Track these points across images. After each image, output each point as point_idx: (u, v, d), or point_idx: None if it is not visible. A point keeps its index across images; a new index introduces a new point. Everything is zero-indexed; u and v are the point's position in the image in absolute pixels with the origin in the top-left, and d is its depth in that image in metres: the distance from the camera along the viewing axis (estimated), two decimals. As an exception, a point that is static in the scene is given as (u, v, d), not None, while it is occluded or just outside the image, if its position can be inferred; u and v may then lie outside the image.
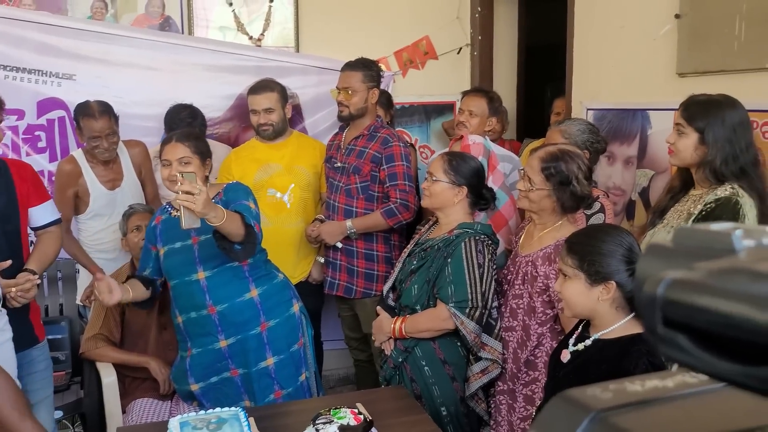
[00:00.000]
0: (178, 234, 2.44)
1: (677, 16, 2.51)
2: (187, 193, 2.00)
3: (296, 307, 2.60)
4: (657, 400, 0.38)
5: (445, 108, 4.18)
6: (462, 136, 2.94)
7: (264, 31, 3.88)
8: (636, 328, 1.64)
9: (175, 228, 2.44)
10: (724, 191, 1.87)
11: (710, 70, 2.39)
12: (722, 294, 0.35)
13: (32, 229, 2.49)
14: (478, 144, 2.79)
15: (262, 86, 3.19)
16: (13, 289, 2.23)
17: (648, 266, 0.39)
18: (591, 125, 2.65)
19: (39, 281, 2.32)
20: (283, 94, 3.21)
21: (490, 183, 2.70)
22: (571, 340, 1.76)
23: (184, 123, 3.20)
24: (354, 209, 3.03)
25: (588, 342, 1.70)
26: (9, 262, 2.21)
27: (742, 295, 0.35)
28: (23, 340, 2.37)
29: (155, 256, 2.52)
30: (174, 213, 2.48)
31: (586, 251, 1.65)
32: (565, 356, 1.75)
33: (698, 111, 1.93)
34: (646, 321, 0.38)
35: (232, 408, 2.02)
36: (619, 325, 1.65)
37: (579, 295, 1.66)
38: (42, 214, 2.47)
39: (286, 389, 2.49)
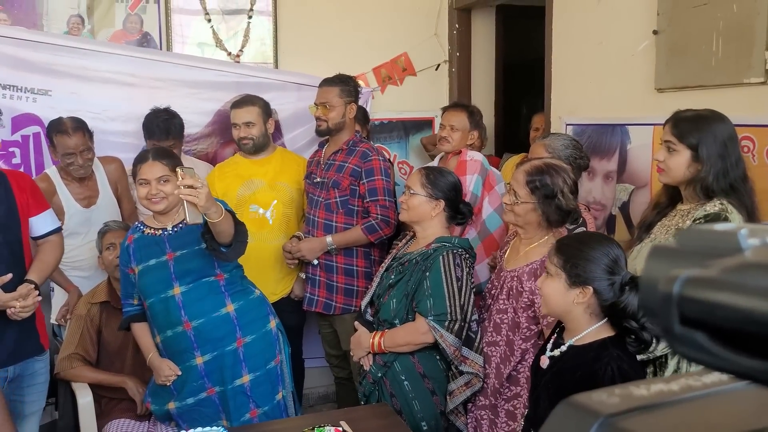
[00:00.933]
0: (152, 251, 2.42)
1: (655, 32, 2.55)
2: (190, 187, 2.00)
3: (273, 323, 2.57)
4: (663, 404, 0.38)
5: (424, 124, 4.19)
6: (461, 151, 2.94)
7: (242, 47, 3.87)
8: (606, 333, 1.68)
9: (149, 246, 2.42)
10: (713, 207, 1.86)
11: (688, 85, 2.42)
12: (740, 289, 0.35)
13: (33, 238, 2.49)
14: (476, 161, 2.79)
15: (244, 100, 3.20)
16: (18, 305, 2.24)
17: (656, 267, 0.39)
18: (575, 141, 2.67)
19: (40, 298, 2.32)
20: (266, 109, 3.22)
21: (485, 204, 2.70)
22: (549, 345, 1.79)
23: (161, 121, 3.20)
24: (334, 224, 3.01)
25: (563, 348, 1.74)
26: (10, 276, 2.23)
27: (760, 290, 0.34)
28: (28, 348, 2.40)
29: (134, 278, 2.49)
30: (147, 231, 2.46)
31: (572, 254, 1.69)
32: (544, 362, 1.78)
33: (689, 127, 1.91)
34: (661, 321, 0.37)
35: (214, 427, 1.98)
36: (590, 330, 1.70)
37: (556, 293, 1.71)
38: (42, 223, 2.47)
39: (262, 408, 2.46)
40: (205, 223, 2.18)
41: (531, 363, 2.13)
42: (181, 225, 2.42)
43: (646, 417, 0.36)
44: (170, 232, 2.43)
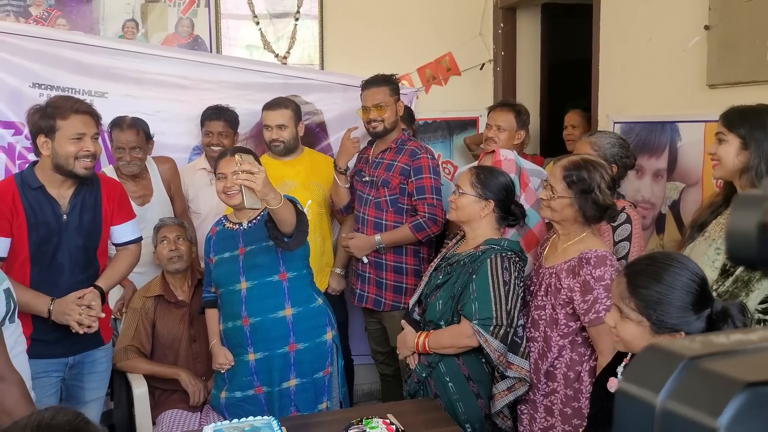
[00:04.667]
0: (228, 245, 2.53)
1: (706, 28, 2.51)
2: (247, 172, 2.05)
3: (329, 335, 2.61)
4: (743, 351, 0.39)
5: (468, 124, 4.20)
6: (494, 151, 2.93)
7: (289, 49, 3.94)
8: None
9: (228, 239, 2.52)
10: None
11: (741, 81, 2.38)
12: None
13: (113, 244, 2.61)
14: (510, 160, 2.78)
15: (277, 103, 3.23)
16: (75, 323, 2.35)
17: (744, 212, 0.43)
18: (622, 139, 2.64)
19: (102, 315, 2.44)
20: (297, 112, 3.26)
21: (522, 201, 2.69)
22: (620, 368, 1.68)
23: (215, 107, 3.34)
24: (383, 222, 3.04)
25: None
26: (91, 290, 2.40)
27: None
28: (88, 342, 2.50)
29: None
30: (227, 225, 2.56)
31: (653, 299, 1.48)
32: (614, 385, 1.67)
33: (739, 118, 1.94)
34: (760, 252, 0.41)
35: (265, 417, 2.03)
36: None
37: (640, 338, 1.52)
38: (122, 232, 2.59)
39: (301, 413, 2.49)
40: (269, 212, 2.23)
41: (567, 360, 2.14)
42: (255, 221, 2.51)
43: (727, 360, 0.38)
44: (245, 227, 2.53)
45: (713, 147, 1.99)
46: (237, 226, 2.54)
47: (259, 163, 2.25)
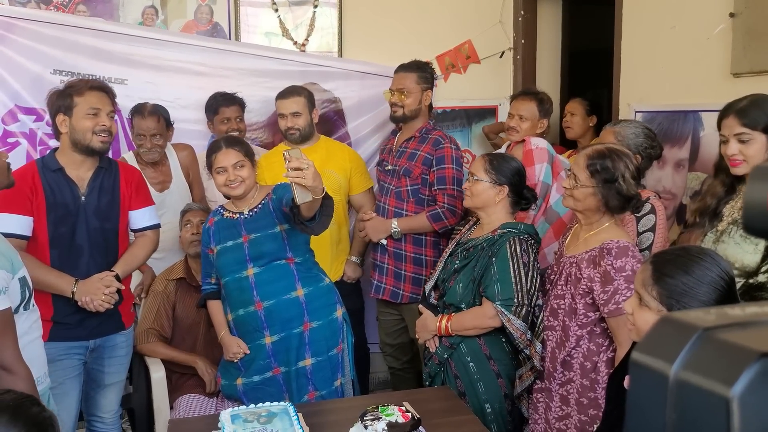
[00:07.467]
0: (230, 233, 2.54)
1: (732, 15, 2.47)
2: (297, 169, 2.04)
3: (339, 312, 2.63)
4: (758, 323, 0.39)
5: (487, 112, 4.17)
6: (524, 140, 2.91)
7: (308, 36, 3.93)
8: None
9: (229, 228, 2.54)
10: None
11: (766, 69, 2.34)
12: None
13: (131, 230, 2.64)
14: (541, 149, 2.75)
15: (290, 91, 3.22)
16: (98, 303, 2.40)
17: (761, 184, 0.43)
18: (648, 129, 2.58)
19: (116, 298, 2.47)
20: (310, 99, 3.24)
21: (554, 191, 2.68)
22: None
23: (223, 93, 3.34)
24: (404, 212, 3.03)
25: None
26: (113, 274, 2.47)
27: None
28: (109, 326, 2.55)
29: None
30: (226, 214, 2.58)
31: (678, 289, 1.44)
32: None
33: (758, 113, 1.92)
34: None
35: (281, 402, 2.04)
36: None
37: None
38: (140, 217, 2.62)
39: (319, 391, 2.53)
40: (292, 198, 2.23)
41: (584, 350, 2.13)
42: (256, 209, 2.53)
43: (741, 331, 0.38)
44: (246, 216, 2.55)
45: (734, 148, 1.95)
46: (237, 215, 2.55)
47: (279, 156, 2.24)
